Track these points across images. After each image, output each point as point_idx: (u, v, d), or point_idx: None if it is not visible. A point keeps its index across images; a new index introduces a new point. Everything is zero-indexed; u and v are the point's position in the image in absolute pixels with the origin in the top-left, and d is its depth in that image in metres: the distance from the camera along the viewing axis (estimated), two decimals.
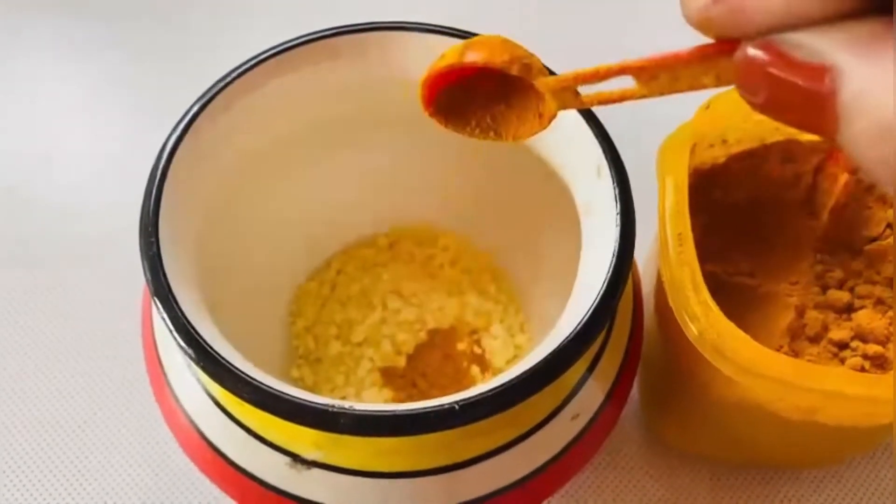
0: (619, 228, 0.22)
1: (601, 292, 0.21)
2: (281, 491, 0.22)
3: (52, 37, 0.42)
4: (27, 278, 0.34)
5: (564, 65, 0.25)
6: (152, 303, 0.21)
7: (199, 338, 0.20)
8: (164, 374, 0.23)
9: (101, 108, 0.40)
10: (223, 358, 0.20)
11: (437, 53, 0.25)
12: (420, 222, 0.32)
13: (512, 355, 0.29)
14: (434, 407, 0.19)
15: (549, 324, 0.29)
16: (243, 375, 0.20)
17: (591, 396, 0.23)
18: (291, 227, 0.30)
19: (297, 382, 0.29)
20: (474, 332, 0.29)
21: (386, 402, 0.28)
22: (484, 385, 0.20)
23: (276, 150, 0.27)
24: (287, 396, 0.19)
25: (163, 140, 0.23)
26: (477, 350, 0.29)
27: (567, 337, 0.20)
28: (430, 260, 0.31)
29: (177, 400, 0.23)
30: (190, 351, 0.20)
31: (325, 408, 0.19)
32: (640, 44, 0.42)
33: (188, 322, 0.20)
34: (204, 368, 0.20)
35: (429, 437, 0.20)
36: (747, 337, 0.19)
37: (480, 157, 0.29)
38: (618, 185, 0.23)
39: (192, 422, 0.23)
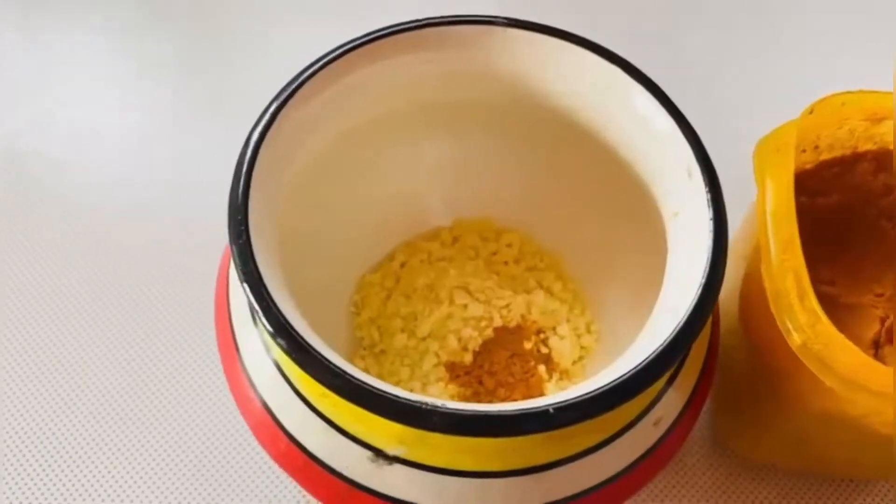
0: (712, 234, 0.22)
1: (696, 299, 0.21)
2: (360, 485, 0.22)
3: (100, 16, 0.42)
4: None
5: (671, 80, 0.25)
6: (244, 290, 0.20)
7: (291, 329, 0.20)
8: (242, 363, 0.23)
9: (148, 88, 0.40)
10: (315, 349, 0.20)
11: (519, 49, 0.25)
12: (483, 217, 0.31)
13: (578, 356, 0.29)
14: (529, 409, 0.19)
15: (616, 325, 0.29)
16: (336, 368, 0.19)
17: (673, 402, 0.23)
18: (358, 218, 0.29)
19: None
20: (540, 331, 0.29)
21: (452, 398, 0.28)
22: (577, 389, 0.20)
23: (350, 140, 0.26)
24: (380, 392, 0.19)
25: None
26: (544, 349, 0.28)
27: (663, 344, 0.20)
28: (493, 256, 0.31)
29: (253, 388, 0.23)
30: (284, 343, 0.20)
31: (419, 405, 0.19)
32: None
33: (280, 313, 0.20)
34: (298, 360, 0.20)
35: (518, 438, 0.20)
36: (857, 349, 0.19)
37: (545, 153, 0.29)
38: (710, 188, 0.22)
39: (269, 410, 0.23)
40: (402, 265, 0.30)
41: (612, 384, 0.19)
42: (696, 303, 0.20)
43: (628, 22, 0.42)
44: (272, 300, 0.20)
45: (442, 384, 0.28)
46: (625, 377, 0.19)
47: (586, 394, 0.19)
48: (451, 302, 0.29)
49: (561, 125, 0.26)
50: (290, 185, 0.24)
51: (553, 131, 0.27)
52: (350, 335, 0.29)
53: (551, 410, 0.19)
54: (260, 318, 0.20)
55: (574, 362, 0.29)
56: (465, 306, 0.29)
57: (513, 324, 0.29)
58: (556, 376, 0.28)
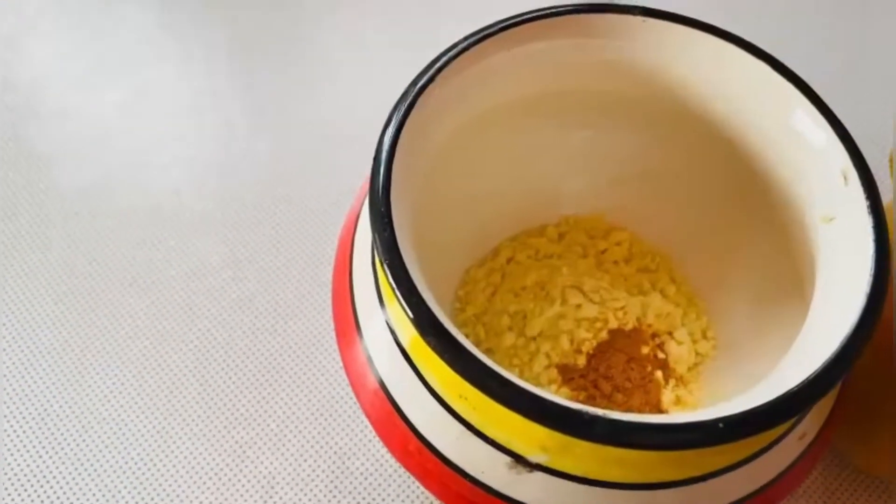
0: (874, 244, 0.21)
1: (861, 314, 0.19)
2: (496, 492, 0.21)
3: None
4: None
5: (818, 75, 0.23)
6: (391, 288, 0.20)
7: (442, 329, 0.19)
8: (368, 355, 0.22)
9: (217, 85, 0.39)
10: (467, 349, 0.19)
11: (663, 40, 0.24)
12: (592, 214, 0.30)
13: (693, 363, 0.28)
14: (697, 422, 0.18)
15: (734, 332, 0.28)
16: (490, 370, 0.19)
17: (817, 417, 0.22)
18: (466, 210, 0.28)
19: None
20: (655, 335, 0.28)
21: None
22: (744, 402, 0.19)
23: (470, 130, 0.26)
24: (538, 397, 0.18)
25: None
26: (660, 355, 0.28)
27: (833, 355, 0.19)
28: (603, 255, 0.30)
29: (383, 387, 0.22)
30: (437, 344, 0.19)
31: (580, 413, 0.18)
32: None
33: (431, 313, 0.19)
34: (447, 360, 0.19)
35: (669, 452, 0.19)
36: None
37: (671, 152, 0.28)
38: (869, 194, 0.21)
39: (398, 411, 0.22)
40: (509, 260, 0.29)
41: (782, 397, 0.18)
42: (862, 315, 0.19)
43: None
44: (420, 295, 0.19)
45: (554, 387, 0.27)
46: (795, 390, 0.18)
47: (757, 407, 0.18)
48: (564, 301, 0.28)
49: (697, 124, 0.25)
50: (422, 173, 0.23)
51: (686, 129, 0.26)
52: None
53: (721, 424, 0.18)
54: (409, 315, 0.19)
55: (689, 369, 0.28)
56: (579, 306, 0.28)
57: (629, 326, 0.28)
58: (672, 382, 0.27)
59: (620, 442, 0.18)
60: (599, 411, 0.18)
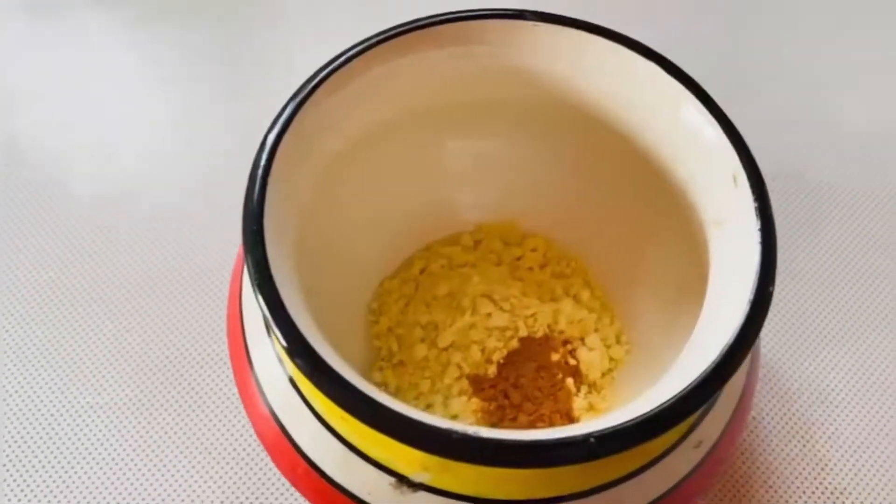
0: (760, 248, 0.20)
1: (744, 319, 0.19)
2: None
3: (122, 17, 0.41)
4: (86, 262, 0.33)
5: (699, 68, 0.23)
6: (261, 309, 0.19)
7: (313, 350, 0.18)
8: (257, 381, 0.22)
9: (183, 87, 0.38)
10: (335, 371, 0.18)
11: (555, 44, 0.24)
12: (506, 221, 0.30)
13: (607, 368, 0.27)
14: (568, 438, 0.18)
15: (647, 336, 0.28)
16: (359, 392, 0.18)
17: (714, 423, 0.22)
18: (375, 222, 0.28)
19: (379, 387, 0.27)
20: (568, 341, 0.28)
21: (475, 412, 0.26)
22: (619, 416, 0.18)
23: (373, 138, 0.25)
24: (405, 417, 0.18)
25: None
26: (572, 361, 0.27)
27: (710, 367, 0.19)
28: (517, 261, 0.29)
29: (268, 406, 0.22)
30: (305, 366, 0.18)
31: (448, 432, 0.18)
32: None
33: (300, 333, 0.19)
34: (318, 384, 0.18)
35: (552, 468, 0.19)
36: None
37: (575, 154, 0.27)
38: (757, 196, 0.21)
39: (286, 434, 0.21)
40: (422, 271, 0.29)
41: (656, 410, 0.18)
42: (744, 322, 0.19)
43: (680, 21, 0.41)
44: (289, 316, 0.19)
45: (465, 398, 0.26)
46: (669, 403, 0.18)
47: (629, 421, 0.18)
48: (475, 311, 0.28)
49: (593, 126, 0.25)
50: (308, 192, 0.23)
51: (584, 133, 0.25)
52: (367, 345, 0.28)
53: (592, 440, 0.18)
54: (276, 335, 0.19)
55: (603, 374, 0.27)
56: (489, 315, 0.27)
57: (539, 334, 0.27)
58: (584, 389, 0.27)
59: (490, 461, 0.18)
60: (470, 429, 0.18)
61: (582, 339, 0.28)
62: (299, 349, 0.18)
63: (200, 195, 0.34)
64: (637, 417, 0.18)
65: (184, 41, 0.40)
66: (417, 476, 0.20)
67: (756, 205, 0.21)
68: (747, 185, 0.21)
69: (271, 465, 0.28)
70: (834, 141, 0.37)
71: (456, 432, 0.18)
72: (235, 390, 0.28)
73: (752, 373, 0.23)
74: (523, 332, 0.27)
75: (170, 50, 0.40)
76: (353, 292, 0.28)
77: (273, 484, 0.28)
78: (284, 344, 0.19)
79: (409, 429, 0.18)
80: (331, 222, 0.26)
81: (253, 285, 0.19)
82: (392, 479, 0.20)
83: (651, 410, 0.18)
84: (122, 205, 0.34)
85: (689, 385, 0.18)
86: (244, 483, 0.28)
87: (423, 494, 0.20)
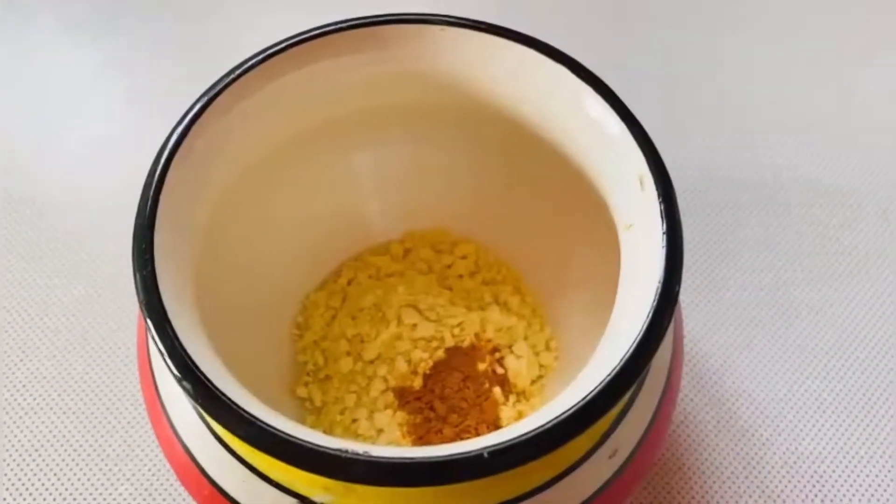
0: (664, 251, 0.20)
1: (647, 323, 0.19)
2: None
3: (57, 20, 0.40)
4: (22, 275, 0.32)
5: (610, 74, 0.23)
6: (147, 330, 0.18)
7: (196, 369, 0.18)
8: (162, 403, 0.21)
9: (102, 93, 0.38)
10: (222, 392, 0.18)
11: (464, 49, 0.23)
12: (436, 228, 0.29)
13: (537, 375, 0.27)
14: (460, 454, 0.17)
15: (576, 341, 0.27)
16: (245, 414, 0.17)
17: (629, 433, 0.21)
18: (298, 233, 0.27)
19: (304, 402, 0.27)
20: (496, 350, 0.27)
21: (400, 425, 0.26)
22: (515, 429, 0.18)
23: (283, 151, 0.25)
24: (294, 440, 0.17)
25: (163, 130, 0.21)
26: (499, 370, 0.27)
27: (610, 374, 0.18)
28: (447, 269, 0.29)
29: (175, 432, 0.21)
30: (188, 385, 0.18)
31: (338, 453, 0.17)
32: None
33: (185, 351, 0.18)
34: (202, 405, 0.18)
35: (453, 486, 0.18)
36: None
37: (499, 159, 0.27)
38: (663, 199, 0.21)
39: (192, 457, 0.21)
40: (350, 282, 0.28)
41: (553, 422, 0.18)
42: (643, 332, 0.19)
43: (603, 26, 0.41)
44: (177, 338, 0.18)
45: (390, 412, 0.26)
46: (566, 414, 0.18)
47: (523, 434, 0.17)
48: (400, 322, 0.27)
49: (512, 130, 0.24)
50: (215, 204, 0.22)
51: (503, 137, 0.25)
52: (293, 360, 0.27)
53: (486, 455, 0.17)
54: (164, 358, 0.18)
55: (532, 382, 0.27)
56: (415, 326, 0.27)
57: (466, 343, 0.27)
58: (512, 398, 0.26)
59: (383, 482, 0.17)
60: (360, 449, 0.17)
61: (510, 347, 0.27)
62: (186, 371, 0.18)
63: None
64: (531, 431, 0.17)
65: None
66: (319, 497, 0.19)
67: (661, 207, 0.20)
68: (653, 188, 0.21)
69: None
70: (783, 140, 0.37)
71: (347, 451, 0.17)
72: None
73: (673, 379, 0.23)
74: (449, 342, 0.27)
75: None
76: (277, 307, 0.28)
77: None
78: (171, 365, 0.18)
79: (298, 451, 0.17)
80: (253, 235, 0.26)
81: (140, 305, 0.19)
82: (295, 501, 0.19)
83: (544, 425, 0.17)
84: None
85: (582, 400, 0.18)
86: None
87: None
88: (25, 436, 0.28)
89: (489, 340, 0.27)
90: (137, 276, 0.19)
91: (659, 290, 0.19)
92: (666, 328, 0.19)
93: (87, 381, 0.29)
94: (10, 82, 0.38)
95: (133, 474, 0.27)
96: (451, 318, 0.27)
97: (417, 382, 0.26)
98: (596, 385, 0.18)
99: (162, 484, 0.27)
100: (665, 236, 0.20)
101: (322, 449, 0.17)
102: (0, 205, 0.34)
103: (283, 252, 0.27)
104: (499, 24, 0.23)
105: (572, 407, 0.18)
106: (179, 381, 0.18)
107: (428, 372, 0.26)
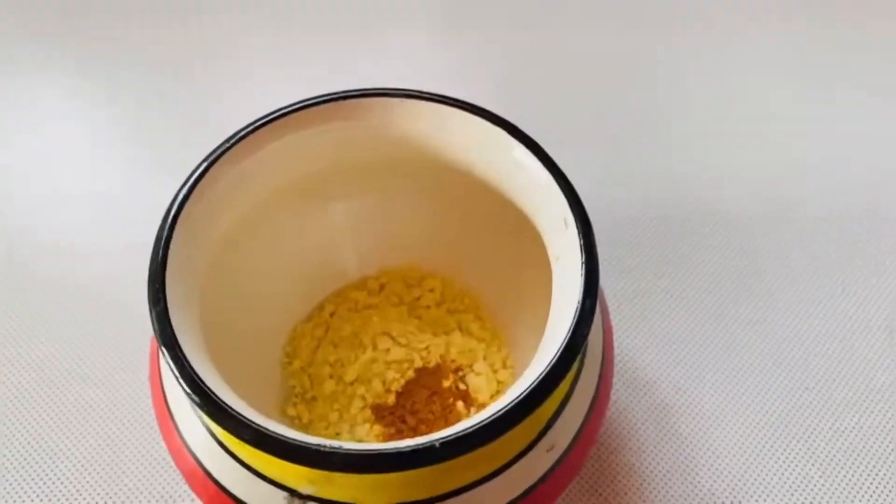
0: (583, 277, 0.24)
1: (569, 334, 0.23)
2: None
3: (56, 84, 0.45)
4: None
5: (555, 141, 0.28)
6: (160, 353, 0.23)
7: (203, 385, 0.22)
8: (172, 418, 0.25)
9: (102, 154, 0.42)
10: (225, 403, 0.22)
11: (419, 116, 0.28)
12: (407, 264, 0.34)
13: (495, 390, 0.31)
14: (416, 446, 0.21)
15: (530, 358, 0.32)
16: (242, 419, 0.22)
17: (565, 429, 0.25)
18: (287, 272, 0.32)
19: (293, 420, 0.31)
20: (459, 369, 0.31)
21: (377, 437, 0.30)
22: (463, 423, 0.22)
23: (269, 204, 0.29)
24: (282, 437, 0.21)
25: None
26: (462, 386, 0.31)
27: (538, 377, 0.22)
28: (417, 301, 0.33)
29: (184, 441, 0.25)
30: (196, 398, 0.22)
31: (318, 447, 0.21)
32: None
33: (194, 371, 0.22)
34: (208, 413, 0.22)
35: (413, 473, 0.23)
36: None
37: (457, 204, 0.32)
38: (583, 235, 0.25)
39: (198, 461, 0.25)
40: (332, 314, 0.33)
41: (491, 417, 0.22)
42: (566, 342, 0.23)
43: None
44: (188, 362, 0.22)
45: (368, 425, 0.30)
46: (501, 411, 0.22)
47: (468, 427, 0.22)
48: (375, 347, 0.31)
49: (464, 180, 0.29)
50: (214, 252, 0.27)
51: (459, 186, 0.29)
52: (283, 383, 0.31)
53: (437, 445, 0.21)
54: (178, 379, 0.22)
55: (491, 396, 0.31)
56: (388, 350, 0.31)
57: (432, 364, 0.31)
58: (473, 410, 0.30)
59: (354, 469, 0.21)
60: (335, 443, 0.21)
61: (471, 367, 0.31)
62: (195, 387, 0.22)
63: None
64: (473, 426, 0.22)
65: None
66: (305, 489, 0.23)
67: (581, 242, 0.25)
68: (575, 227, 0.25)
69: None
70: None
71: (324, 446, 0.21)
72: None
73: (604, 384, 0.27)
74: (418, 364, 0.31)
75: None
76: (269, 337, 0.32)
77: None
78: (183, 383, 0.22)
79: (285, 446, 0.21)
80: (246, 273, 0.30)
81: (156, 335, 0.23)
82: (285, 494, 0.23)
83: (484, 420, 0.22)
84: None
85: (515, 399, 0.22)
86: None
87: None
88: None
89: (453, 361, 0.31)
90: (152, 311, 0.23)
91: (578, 309, 0.23)
92: (585, 337, 0.23)
93: (102, 406, 0.33)
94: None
95: (148, 481, 0.31)
96: (420, 342, 0.31)
97: (391, 399, 0.30)
98: (529, 384, 0.22)
99: (174, 489, 0.31)
100: (584, 265, 0.24)
101: (306, 445, 0.21)
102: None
103: (272, 289, 0.31)
104: (456, 91, 0.28)
105: (510, 403, 0.22)
106: (190, 395, 0.22)
107: (400, 390, 0.30)
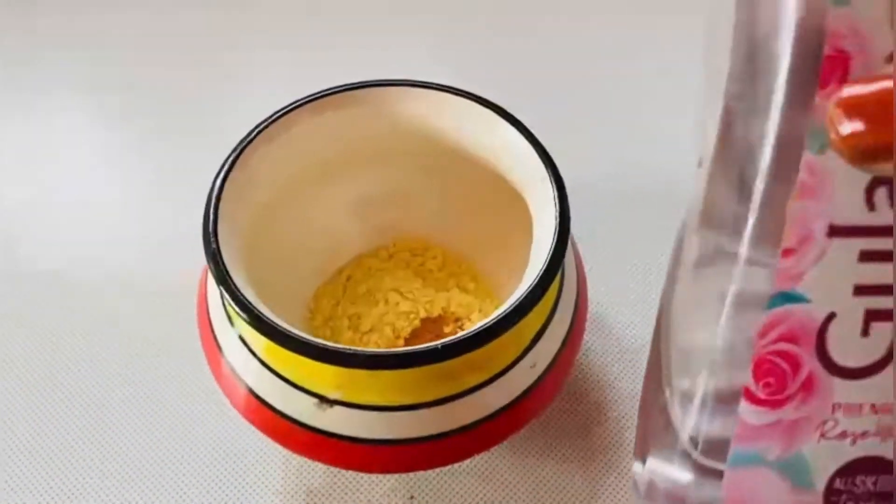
0: (558, 219, 0.30)
1: (546, 262, 0.28)
2: (311, 427, 0.29)
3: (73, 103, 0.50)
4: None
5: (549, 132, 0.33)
6: (213, 284, 0.28)
7: (250, 305, 0.27)
8: (217, 344, 0.31)
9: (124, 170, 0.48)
10: (268, 318, 0.27)
11: (423, 104, 0.34)
12: (413, 237, 0.39)
13: None
14: (424, 347, 0.27)
15: None
16: (284, 329, 0.27)
17: (546, 350, 0.30)
18: (313, 242, 0.37)
19: None
20: (458, 319, 0.36)
21: None
22: (460, 334, 0.27)
23: (300, 179, 0.34)
24: (315, 343, 0.27)
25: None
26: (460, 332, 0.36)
27: (521, 296, 0.28)
28: (421, 266, 0.38)
29: (228, 364, 0.30)
30: (245, 315, 0.27)
31: (343, 349, 0.27)
32: None
33: (241, 294, 0.28)
34: (256, 327, 0.27)
35: (421, 376, 0.28)
36: None
37: (456, 182, 0.37)
38: (556, 186, 0.30)
39: (240, 379, 0.30)
40: (349, 278, 0.38)
41: (482, 327, 0.27)
42: (543, 269, 0.28)
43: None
44: (237, 287, 0.28)
45: None
46: (490, 322, 0.27)
47: (465, 334, 0.27)
48: (386, 302, 0.36)
49: (461, 158, 0.34)
50: (252, 217, 0.32)
51: (457, 164, 0.35)
52: (308, 334, 0.36)
53: (440, 347, 0.27)
54: (228, 301, 0.28)
55: None
56: (398, 304, 0.36)
57: (435, 315, 0.36)
58: None
59: (371, 367, 0.27)
60: (358, 349, 0.27)
61: (468, 317, 0.36)
62: (241, 306, 0.27)
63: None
64: (471, 332, 0.27)
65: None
66: (332, 394, 0.28)
67: (555, 195, 0.30)
68: (549, 182, 0.31)
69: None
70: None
71: (349, 349, 0.27)
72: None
73: (580, 313, 0.32)
74: (423, 314, 0.36)
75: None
76: (297, 296, 0.37)
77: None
78: (227, 295, 0.27)
79: (313, 348, 0.27)
80: (274, 244, 0.35)
81: (210, 268, 0.28)
82: (315, 400, 0.28)
83: (477, 329, 0.27)
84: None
85: (502, 312, 0.27)
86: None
87: (338, 408, 0.28)
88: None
89: (453, 313, 0.36)
90: (207, 253, 0.29)
91: (553, 245, 0.29)
92: (561, 257, 0.28)
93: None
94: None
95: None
96: (424, 297, 0.37)
97: (400, 343, 0.35)
98: (515, 300, 0.27)
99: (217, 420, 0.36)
100: (557, 206, 0.30)
101: (332, 348, 0.27)
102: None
103: (299, 255, 0.37)
104: (451, 80, 0.34)
105: (499, 314, 0.27)
106: (239, 314, 0.27)
107: (408, 336, 0.36)
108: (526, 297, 0.28)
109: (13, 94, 0.50)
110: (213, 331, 0.31)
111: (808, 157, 0.16)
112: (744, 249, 0.18)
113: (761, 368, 0.18)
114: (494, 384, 0.29)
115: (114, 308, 0.40)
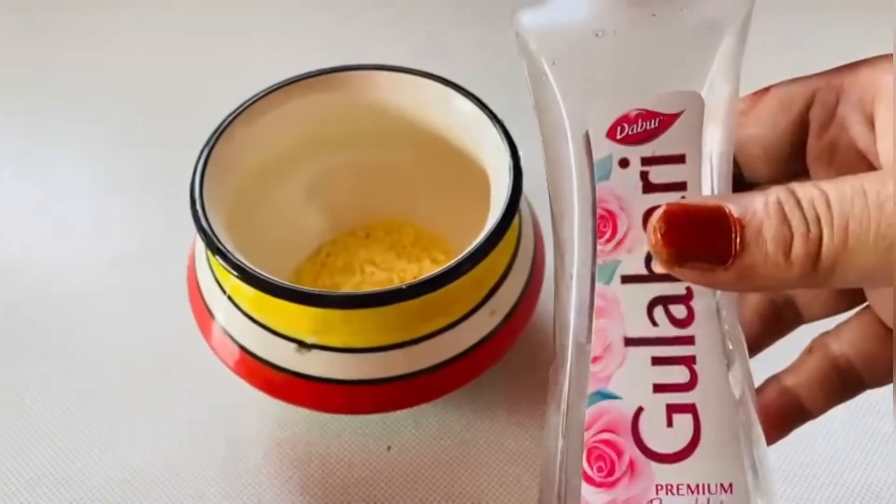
0: (511, 174, 0.33)
1: (501, 212, 0.31)
2: (292, 372, 0.32)
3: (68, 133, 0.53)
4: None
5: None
6: (200, 242, 0.31)
7: (233, 258, 0.30)
8: (204, 301, 0.33)
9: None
10: (251, 269, 0.30)
11: (400, 89, 0.37)
12: (390, 217, 0.42)
13: None
14: (390, 287, 0.30)
15: None
16: (265, 278, 0.30)
17: (505, 299, 0.33)
18: (293, 223, 0.40)
19: None
20: None
21: None
22: (424, 277, 0.30)
23: (279, 160, 0.38)
24: (293, 287, 0.30)
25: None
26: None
27: (479, 242, 0.31)
28: (396, 241, 0.41)
29: (214, 319, 0.33)
30: (232, 270, 0.30)
31: (316, 291, 0.30)
32: None
33: (226, 249, 0.30)
34: (240, 276, 0.30)
35: (388, 318, 0.30)
36: None
37: (429, 159, 0.40)
38: (511, 151, 0.33)
39: (225, 332, 0.33)
40: (328, 254, 0.41)
41: (443, 269, 0.30)
42: (499, 218, 0.31)
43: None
44: (219, 241, 0.31)
45: None
46: (451, 266, 0.30)
47: (427, 277, 0.30)
48: (363, 272, 0.39)
49: (425, 136, 0.38)
50: (235, 194, 0.35)
51: (425, 142, 0.38)
52: None
53: (404, 287, 0.29)
54: (214, 253, 0.31)
55: None
56: (373, 273, 0.39)
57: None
58: None
59: (343, 306, 0.29)
60: (333, 291, 0.29)
61: None
62: (226, 259, 0.30)
63: None
64: (432, 275, 0.30)
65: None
66: (310, 338, 0.31)
67: (510, 154, 0.33)
68: (504, 146, 0.34)
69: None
70: None
71: (322, 291, 0.30)
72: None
73: (538, 262, 0.35)
74: (396, 282, 0.39)
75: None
76: (281, 269, 0.40)
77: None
78: (221, 262, 0.30)
79: (294, 292, 0.29)
80: (256, 223, 0.38)
81: (197, 229, 0.31)
82: (294, 345, 0.31)
83: (438, 272, 0.30)
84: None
85: (461, 256, 0.30)
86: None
87: (315, 352, 0.31)
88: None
89: None
90: (193, 215, 0.32)
91: (508, 196, 0.32)
92: (514, 212, 0.31)
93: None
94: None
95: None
96: (398, 267, 0.40)
97: None
98: (474, 246, 0.30)
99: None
100: (511, 167, 0.33)
101: (310, 291, 0.29)
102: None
103: (282, 235, 0.39)
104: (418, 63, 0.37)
105: (459, 258, 0.30)
106: (224, 266, 0.30)
107: None
108: (483, 242, 0.31)
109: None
110: (202, 297, 0.34)
111: (599, 287, 0.21)
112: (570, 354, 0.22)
113: (593, 455, 0.22)
114: (457, 328, 0.32)
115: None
